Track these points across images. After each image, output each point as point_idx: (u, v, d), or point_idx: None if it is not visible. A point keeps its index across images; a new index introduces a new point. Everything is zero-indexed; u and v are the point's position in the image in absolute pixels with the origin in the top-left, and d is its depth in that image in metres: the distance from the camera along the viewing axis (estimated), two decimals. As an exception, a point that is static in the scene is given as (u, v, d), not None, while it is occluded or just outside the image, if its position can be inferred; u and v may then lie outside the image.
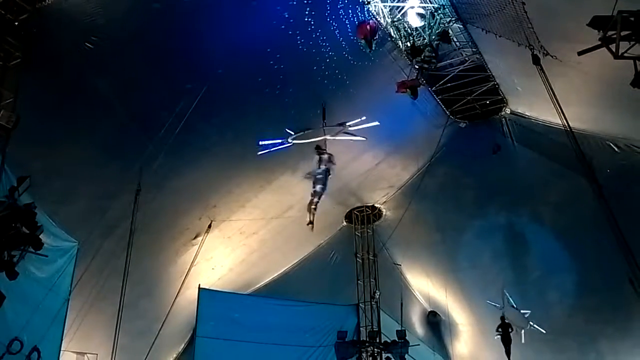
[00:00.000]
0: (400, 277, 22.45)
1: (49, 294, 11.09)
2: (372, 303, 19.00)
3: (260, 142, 13.25)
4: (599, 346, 20.26)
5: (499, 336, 19.15)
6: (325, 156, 14.22)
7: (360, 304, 18.91)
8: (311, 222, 14.74)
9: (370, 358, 17.37)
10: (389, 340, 17.41)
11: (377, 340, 17.52)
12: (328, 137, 13.61)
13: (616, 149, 16.35)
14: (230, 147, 15.12)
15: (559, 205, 18.61)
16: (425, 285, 22.21)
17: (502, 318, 19.16)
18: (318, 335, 17.33)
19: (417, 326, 23.48)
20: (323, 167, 14.20)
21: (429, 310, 24.15)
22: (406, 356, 16.85)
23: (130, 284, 14.87)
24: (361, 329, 18.40)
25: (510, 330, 19.12)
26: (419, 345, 18.58)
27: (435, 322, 24.26)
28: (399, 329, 17.54)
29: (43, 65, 11.05)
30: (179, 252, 17.00)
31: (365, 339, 17.84)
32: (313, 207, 14.51)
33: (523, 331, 19.42)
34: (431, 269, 21.19)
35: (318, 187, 14.27)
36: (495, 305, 19.61)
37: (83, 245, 12.45)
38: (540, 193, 18.59)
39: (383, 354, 17.32)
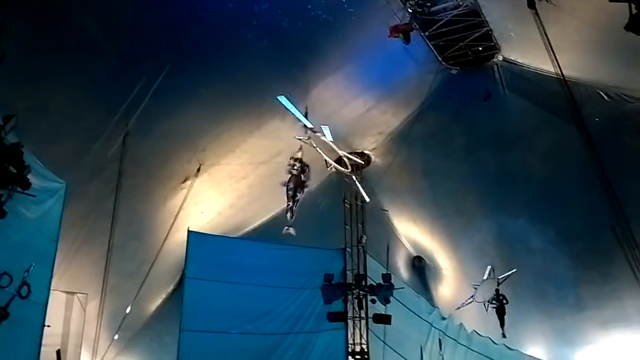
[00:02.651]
0: (387, 222, 22.75)
1: (38, 234, 11.07)
2: (359, 247, 19.23)
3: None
4: (578, 291, 20.87)
5: (493, 307, 19.66)
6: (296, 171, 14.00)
7: (347, 248, 19.15)
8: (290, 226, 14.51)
9: (356, 300, 17.74)
10: (374, 284, 17.74)
11: (363, 283, 17.86)
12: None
13: (606, 97, 16.39)
14: (219, 90, 14.90)
15: (547, 153, 18.77)
16: (412, 231, 22.56)
17: (497, 291, 19.60)
18: (305, 278, 17.60)
19: (403, 270, 23.97)
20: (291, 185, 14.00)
21: (415, 255, 24.61)
22: (391, 299, 17.20)
23: (119, 226, 14.99)
24: (347, 272, 18.68)
25: (505, 302, 19.61)
26: (403, 288, 18.94)
27: (420, 266, 24.78)
28: (385, 272, 17.85)
29: (29, 2, 10.68)
30: (167, 196, 16.99)
31: (351, 282, 18.16)
32: (291, 213, 14.16)
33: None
34: (418, 215, 21.46)
35: (297, 196, 14.05)
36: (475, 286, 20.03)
37: (70, 187, 12.33)
38: (529, 141, 18.70)
39: (368, 297, 17.68)
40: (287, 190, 14.03)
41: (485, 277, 19.91)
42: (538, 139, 18.55)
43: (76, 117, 12.79)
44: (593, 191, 17.85)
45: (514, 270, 19.52)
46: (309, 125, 13.41)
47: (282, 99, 12.63)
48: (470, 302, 20.39)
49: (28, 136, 10.26)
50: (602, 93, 16.40)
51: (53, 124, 12.39)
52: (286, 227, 14.49)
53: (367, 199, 16.67)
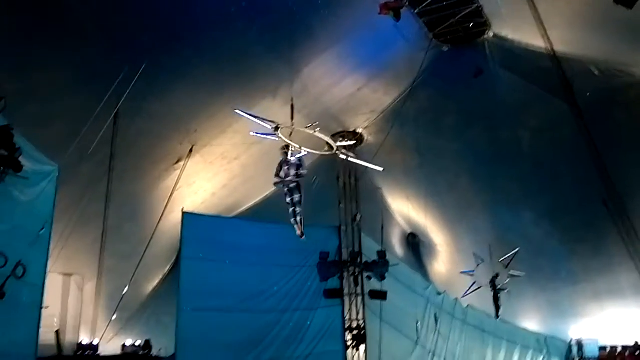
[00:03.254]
0: (381, 200, 22.88)
1: (32, 216, 11.12)
2: (354, 225, 19.32)
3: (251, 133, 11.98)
4: (571, 265, 21.16)
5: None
6: (294, 159, 11.93)
7: (342, 226, 19.24)
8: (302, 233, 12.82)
9: (352, 277, 17.90)
10: (369, 261, 17.88)
11: (358, 261, 17.99)
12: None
13: (597, 72, 16.40)
14: (209, 71, 14.90)
15: (539, 129, 18.87)
16: (406, 208, 22.71)
17: (492, 280, 19.68)
18: (301, 256, 17.66)
19: (397, 247, 24.19)
20: (293, 173, 11.91)
21: (409, 232, 24.81)
22: (386, 275, 17.35)
23: (113, 208, 15.08)
24: (343, 250, 18.79)
25: (500, 290, 19.75)
26: (398, 264, 19.07)
27: (415, 243, 25.01)
28: (380, 249, 17.99)
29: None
30: (161, 177, 17.06)
31: (346, 259, 18.29)
32: (298, 218, 12.23)
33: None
34: (411, 193, 21.60)
35: (295, 197, 12.01)
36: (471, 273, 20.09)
37: (63, 170, 12.37)
38: (521, 117, 18.77)
39: (364, 273, 17.83)
40: (285, 196, 12.12)
41: (479, 263, 19.88)
42: (529, 115, 18.62)
43: (65, 99, 12.81)
44: (584, 166, 18.04)
45: (517, 249, 19.50)
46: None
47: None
48: (476, 290, 20.31)
49: (18, 119, 10.29)
50: (592, 68, 16.40)
51: (42, 107, 12.40)
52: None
53: (381, 169, 15.60)
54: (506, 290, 19.67)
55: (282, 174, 11.92)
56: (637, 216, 18.40)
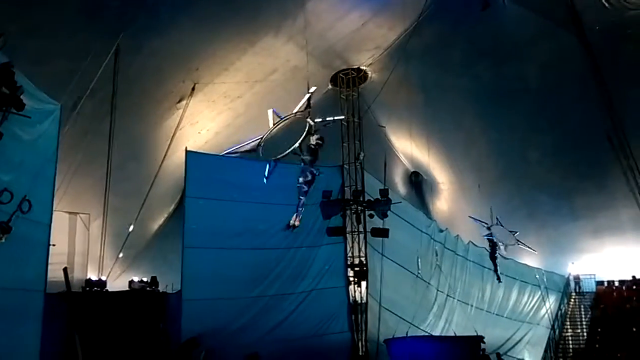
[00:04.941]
0: (384, 139, 22.79)
1: (36, 155, 11.12)
2: (357, 164, 19.33)
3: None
4: (573, 201, 21.29)
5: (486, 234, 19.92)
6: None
7: (345, 166, 19.26)
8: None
9: (354, 215, 18.05)
10: (372, 199, 17.98)
11: (361, 199, 18.10)
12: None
13: (607, 5, 15.95)
14: (211, 6, 14.53)
15: (545, 64, 18.55)
16: (409, 147, 22.64)
17: (490, 240, 19.76)
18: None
19: (400, 186, 24.28)
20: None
21: (412, 170, 24.84)
22: (389, 213, 17.47)
23: (116, 147, 15.03)
24: (346, 188, 18.88)
25: (498, 247, 19.86)
26: (401, 202, 19.21)
27: (417, 181, 25.08)
28: (382, 188, 18.04)
29: None
30: (164, 116, 16.92)
31: (349, 198, 18.40)
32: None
33: (506, 247, 20.18)
34: (415, 131, 21.45)
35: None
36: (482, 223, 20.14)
37: (65, 109, 12.27)
38: (528, 52, 18.39)
39: (366, 212, 17.97)
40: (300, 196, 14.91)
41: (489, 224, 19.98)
42: (537, 49, 18.23)
43: (66, 37, 12.55)
44: (591, 101, 17.84)
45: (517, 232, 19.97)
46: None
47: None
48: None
49: (19, 58, 10.13)
50: (603, 0, 15.96)
51: (43, 45, 12.16)
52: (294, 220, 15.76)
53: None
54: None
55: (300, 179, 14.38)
56: (640, 152, 18.37)
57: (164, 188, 17.89)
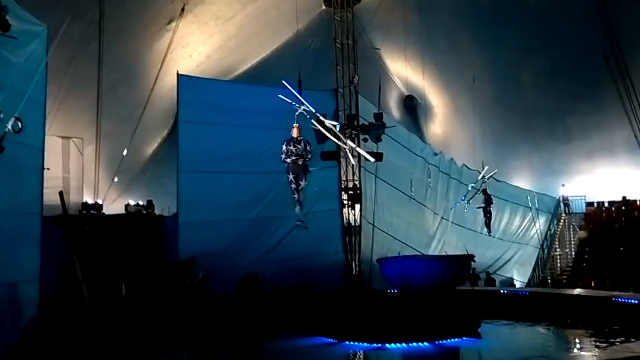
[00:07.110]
0: (379, 62, 22.46)
1: (25, 77, 10.88)
2: (351, 88, 19.11)
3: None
4: (567, 123, 21.28)
5: (481, 207, 19.74)
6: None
7: (339, 89, 19.04)
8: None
9: (349, 139, 18.01)
10: (366, 123, 17.89)
11: (355, 123, 18.01)
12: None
13: None
14: None
15: (544, -18, 18.08)
16: (404, 70, 22.35)
17: (484, 191, 19.53)
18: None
19: (394, 110, 24.19)
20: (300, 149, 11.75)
21: (406, 94, 24.66)
22: (383, 137, 17.44)
23: (106, 70, 14.81)
24: (340, 112, 18.74)
25: (491, 203, 19.67)
26: (395, 126, 19.13)
27: (412, 105, 24.95)
28: (377, 112, 17.92)
29: None
30: (153, 38, 16.58)
31: (343, 122, 18.30)
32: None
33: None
34: (410, 53, 21.11)
35: (301, 184, 11.96)
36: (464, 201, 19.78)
37: (51, 31, 11.94)
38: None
39: (360, 136, 17.93)
40: (290, 183, 12.01)
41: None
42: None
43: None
44: (589, 22, 17.51)
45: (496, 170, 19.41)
46: None
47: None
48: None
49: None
50: None
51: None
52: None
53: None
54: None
55: (292, 148, 11.85)
56: (636, 73, 18.19)
57: (156, 112, 17.78)
